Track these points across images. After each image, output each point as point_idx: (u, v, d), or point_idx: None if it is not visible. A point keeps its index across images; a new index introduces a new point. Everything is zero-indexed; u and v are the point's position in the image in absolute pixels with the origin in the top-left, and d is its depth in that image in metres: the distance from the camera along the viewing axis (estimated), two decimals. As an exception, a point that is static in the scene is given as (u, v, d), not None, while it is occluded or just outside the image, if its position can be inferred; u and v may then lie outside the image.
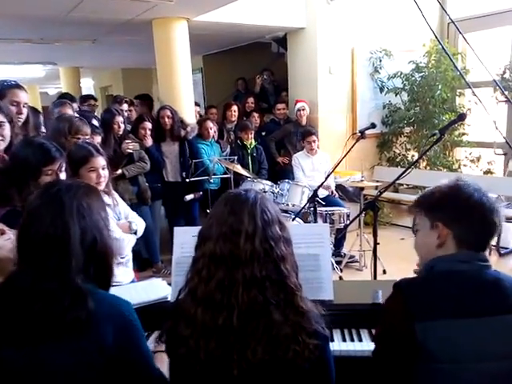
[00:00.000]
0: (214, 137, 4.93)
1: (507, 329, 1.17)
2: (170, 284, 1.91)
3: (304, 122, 5.35)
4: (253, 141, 4.96)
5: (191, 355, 1.11)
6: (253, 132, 4.96)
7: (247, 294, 1.10)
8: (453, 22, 2.78)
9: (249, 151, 4.93)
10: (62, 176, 1.86)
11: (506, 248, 4.71)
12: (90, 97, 5.94)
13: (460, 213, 1.24)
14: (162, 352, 1.40)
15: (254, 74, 6.74)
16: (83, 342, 1.08)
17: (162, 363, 1.33)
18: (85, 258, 1.14)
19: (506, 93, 4.60)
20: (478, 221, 1.23)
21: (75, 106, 4.41)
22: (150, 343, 1.74)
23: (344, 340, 1.71)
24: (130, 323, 1.15)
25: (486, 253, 1.27)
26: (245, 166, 4.83)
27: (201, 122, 4.85)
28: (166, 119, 4.41)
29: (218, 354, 1.09)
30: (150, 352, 1.24)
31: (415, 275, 1.35)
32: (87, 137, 2.67)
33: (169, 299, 1.87)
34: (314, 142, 4.77)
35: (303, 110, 5.32)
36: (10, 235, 1.56)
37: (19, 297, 1.10)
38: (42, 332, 1.07)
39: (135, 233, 2.37)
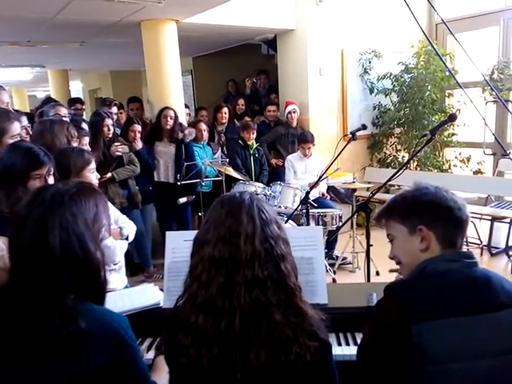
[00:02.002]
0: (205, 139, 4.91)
1: (500, 326, 1.16)
2: (162, 289, 1.89)
3: (295, 123, 5.35)
4: (254, 141, 4.93)
5: (193, 364, 1.08)
6: (255, 132, 4.91)
7: (249, 295, 1.08)
8: (444, 22, 2.79)
9: (251, 152, 4.91)
10: (51, 180, 1.83)
11: (498, 248, 4.71)
12: (77, 100, 5.86)
13: (438, 214, 1.26)
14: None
15: (244, 76, 6.72)
16: (75, 361, 1.04)
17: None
18: (70, 274, 1.07)
19: (495, 93, 4.62)
20: (454, 219, 1.26)
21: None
22: (143, 350, 1.72)
23: (339, 344, 1.69)
24: (125, 343, 1.10)
25: (478, 252, 1.28)
26: (248, 167, 4.82)
27: (194, 124, 4.82)
28: (169, 119, 4.36)
29: (221, 360, 1.07)
30: (146, 370, 1.19)
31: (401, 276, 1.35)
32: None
33: (161, 305, 1.85)
34: (309, 148, 4.75)
35: (294, 112, 5.31)
36: (0, 243, 1.52)
37: (8, 314, 1.05)
38: (36, 351, 1.03)
39: (126, 238, 2.34)
